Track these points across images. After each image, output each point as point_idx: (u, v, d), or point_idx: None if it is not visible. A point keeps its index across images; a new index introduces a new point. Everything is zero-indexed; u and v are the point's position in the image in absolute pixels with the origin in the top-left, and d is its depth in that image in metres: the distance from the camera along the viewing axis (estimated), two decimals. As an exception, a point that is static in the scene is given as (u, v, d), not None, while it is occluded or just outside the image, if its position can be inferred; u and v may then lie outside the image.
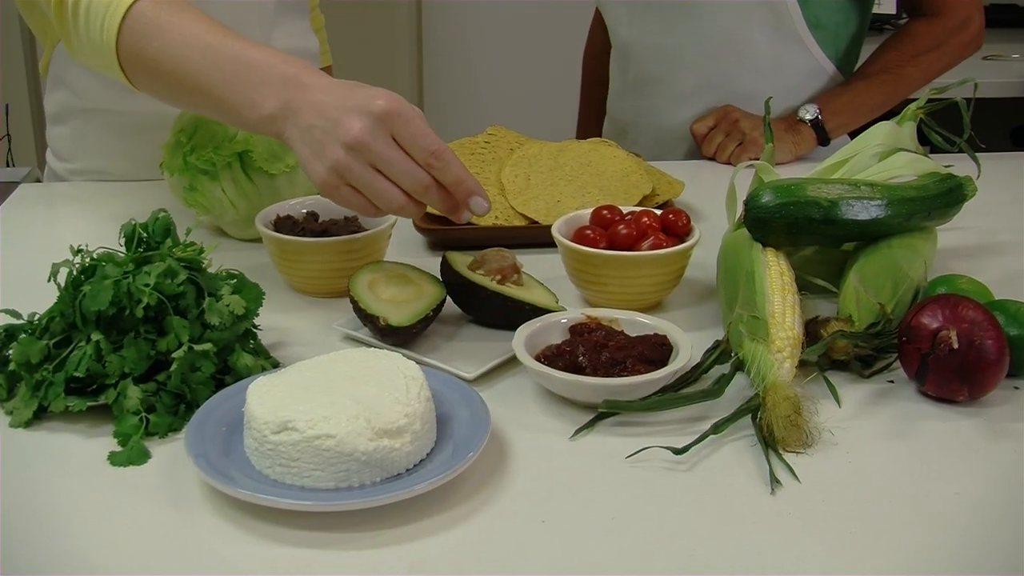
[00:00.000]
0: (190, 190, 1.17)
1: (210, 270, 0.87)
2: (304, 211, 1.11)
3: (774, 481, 0.74)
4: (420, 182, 0.86)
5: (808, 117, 1.54)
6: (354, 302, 0.93)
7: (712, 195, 1.22)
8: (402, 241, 1.17)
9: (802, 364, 0.86)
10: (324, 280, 1.05)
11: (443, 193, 0.88)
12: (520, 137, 1.34)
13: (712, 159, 1.57)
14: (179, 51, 0.93)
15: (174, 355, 0.81)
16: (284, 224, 1.08)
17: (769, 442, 0.78)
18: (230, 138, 1.15)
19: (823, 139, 1.55)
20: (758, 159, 1.09)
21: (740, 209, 1.00)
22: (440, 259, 0.98)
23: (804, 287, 0.95)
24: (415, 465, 0.74)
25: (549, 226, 1.06)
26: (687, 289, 1.06)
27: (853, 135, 1.35)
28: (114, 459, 0.77)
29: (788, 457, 0.77)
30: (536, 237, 1.17)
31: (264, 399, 0.73)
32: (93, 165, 1.42)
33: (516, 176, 1.26)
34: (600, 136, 1.72)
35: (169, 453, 0.78)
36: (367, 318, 0.92)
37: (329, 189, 0.88)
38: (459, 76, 3.26)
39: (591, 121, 1.84)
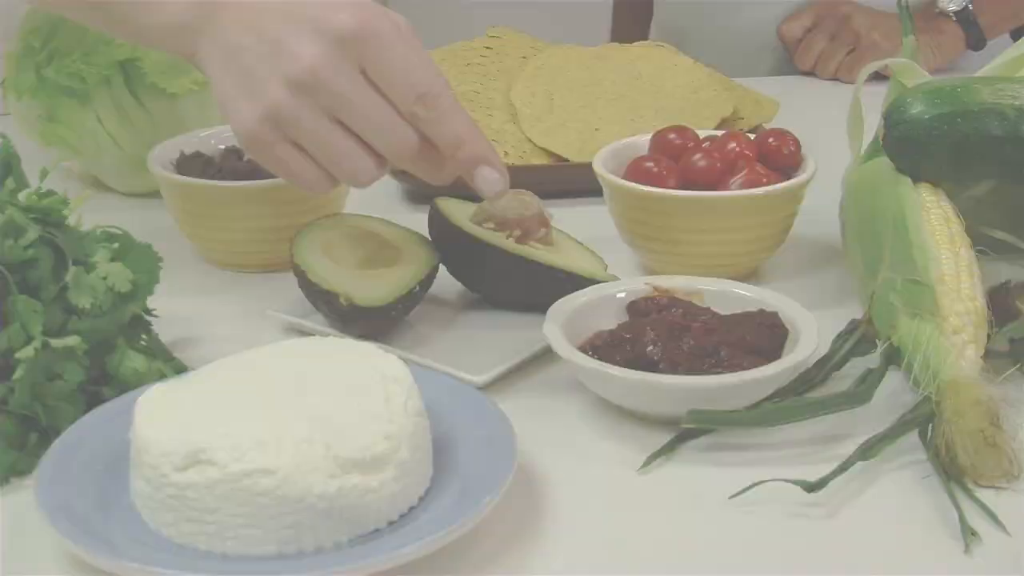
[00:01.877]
0: (48, 120, 1.16)
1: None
2: (222, 147, 1.12)
3: (968, 533, 0.72)
4: (403, 142, 0.85)
5: (953, 8, 1.55)
6: (301, 274, 0.93)
7: (814, 121, 1.22)
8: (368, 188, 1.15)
9: (987, 354, 0.84)
10: (254, 245, 1.05)
11: (433, 157, 0.87)
12: (536, 41, 1.35)
13: (811, 74, 1.59)
14: None
15: (19, 355, 0.79)
16: (192, 164, 1.08)
17: (951, 472, 0.77)
18: (108, 41, 1.14)
19: (975, 40, 1.56)
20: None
21: (870, 133, 0.99)
22: (428, 210, 0.98)
23: (977, 242, 0.92)
24: (402, 516, 0.73)
25: (584, 164, 1.06)
26: (795, 249, 1.07)
27: (1016, 35, 1.43)
28: (-78, 519, 0.77)
29: (983, 495, 0.75)
30: (565, 181, 1.18)
31: (163, 419, 0.72)
32: None
33: (534, 95, 1.25)
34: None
35: (11, 508, 0.78)
36: (321, 296, 0.91)
37: (259, 146, 0.86)
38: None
39: (630, 24, 1.88)
